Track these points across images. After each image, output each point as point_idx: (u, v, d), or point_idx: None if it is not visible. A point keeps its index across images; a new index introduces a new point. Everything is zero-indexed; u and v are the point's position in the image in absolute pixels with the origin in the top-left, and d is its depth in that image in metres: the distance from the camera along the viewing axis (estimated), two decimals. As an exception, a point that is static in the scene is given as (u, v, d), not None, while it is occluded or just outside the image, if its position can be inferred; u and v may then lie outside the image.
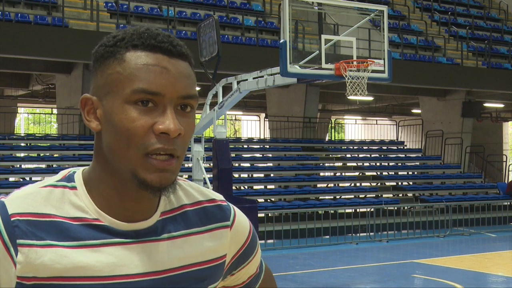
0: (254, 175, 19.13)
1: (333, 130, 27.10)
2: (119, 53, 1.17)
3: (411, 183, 20.65)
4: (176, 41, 1.19)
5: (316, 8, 11.30)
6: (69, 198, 1.19)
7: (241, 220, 1.36)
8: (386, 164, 21.41)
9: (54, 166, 16.43)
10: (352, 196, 18.35)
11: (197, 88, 1.24)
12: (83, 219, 1.17)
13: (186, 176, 13.45)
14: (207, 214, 1.30)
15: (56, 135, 19.50)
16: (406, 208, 17.61)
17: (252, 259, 1.39)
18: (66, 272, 1.13)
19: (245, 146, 20.50)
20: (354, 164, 20.84)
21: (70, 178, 1.22)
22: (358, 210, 16.83)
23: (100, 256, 1.16)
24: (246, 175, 18.86)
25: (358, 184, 19.89)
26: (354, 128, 27.42)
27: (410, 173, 21.71)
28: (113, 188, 1.19)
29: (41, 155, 16.99)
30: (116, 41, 1.18)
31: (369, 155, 21.50)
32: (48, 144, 17.36)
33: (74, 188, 1.20)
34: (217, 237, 1.29)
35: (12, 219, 1.14)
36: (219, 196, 1.35)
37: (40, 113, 26.45)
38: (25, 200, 1.17)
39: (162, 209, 1.24)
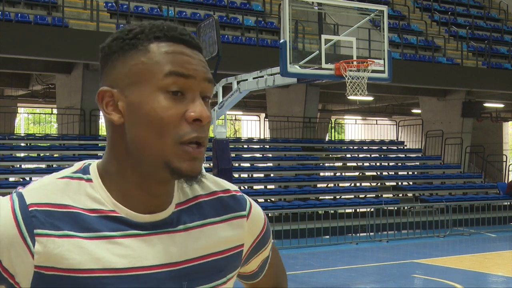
0: (254, 175, 19.13)
1: (333, 130, 27.10)
2: (141, 45, 1.18)
3: (411, 183, 20.65)
4: (192, 34, 1.22)
5: (316, 8, 11.30)
6: (86, 190, 1.19)
7: (257, 210, 1.37)
8: (386, 164, 21.41)
9: (54, 166, 16.43)
10: (352, 196, 18.35)
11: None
12: (99, 211, 1.18)
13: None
14: (223, 204, 1.30)
15: (56, 135, 19.50)
16: (406, 208, 17.61)
17: (266, 247, 1.40)
18: (83, 264, 1.13)
19: (245, 146, 20.50)
20: (354, 164, 20.84)
21: (85, 170, 1.22)
22: (358, 210, 16.83)
23: (117, 248, 1.16)
24: (246, 175, 18.85)
25: (358, 184, 19.89)
26: (354, 128, 27.42)
27: (410, 173, 21.71)
28: (132, 183, 1.19)
29: (41, 155, 16.99)
30: (135, 34, 1.19)
31: (369, 155, 21.50)
32: (48, 144, 17.36)
33: (89, 180, 1.20)
34: (234, 227, 1.30)
35: (30, 209, 1.14)
36: (233, 187, 1.35)
37: (40, 113, 26.44)
38: (42, 190, 1.17)
39: (177, 200, 1.25)
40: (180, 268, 1.20)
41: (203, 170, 1.28)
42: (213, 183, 1.32)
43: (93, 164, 1.24)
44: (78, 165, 1.24)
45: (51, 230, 1.14)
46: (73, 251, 1.13)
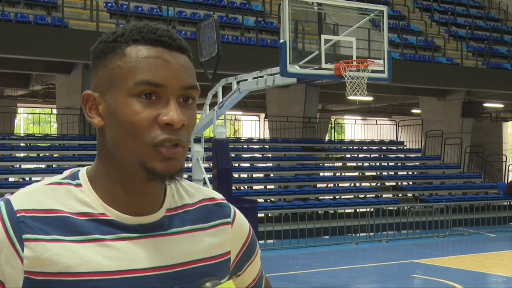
0: (254, 175, 19.13)
1: (333, 130, 27.09)
2: (119, 48, 1.18)
3: (411, 183, 20.65)
4: (175, 35, 1.21)
5: (316, 8, 11.30)
6: (75, 195, 1.19)
7: (241, 218, 1.38)
8: (386, 164, 21.41)
9: (54, 166, 16.43)
10: (352, 196, 18.35)
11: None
12: (89, 214, 1.18)
13: (186, 176, 13.42)
14: (209, 211, 1.32)
15: (56, 135, 19.50)
16: (406, 208, 17.61)
17: (254, 258, 1.41)
18: (73, 267, 1.13)
19: (245, 146, 20.50)
20: (354, 164, 20.84)
21: (74, 176, 1.23)
22: (358, 210, 16.83)
23: (108, 251, 1.16)
24: (246, 175, 18.86)
25: (358, 184, 19.90)
26: (354, 128, 27.43)
27: (410, 173, 21.71)
28: (119, 184, 1.20)
29: (41, 155, 16.98)
30: (116, 37, 1.20)
31: (369, 155, 21.51)
32: (48, 144, 17.36)
33: (79, 185, 1.21)
34: (220, 233, 1.31)
35: (17, 215, 1.14)
36: (218, 195, 1.37)
37: (40, 113, 26.44)
38: (30, 196, 1.17)
39: (168, 206, 1.26)
40: (171, 272, 1.21)
41: (182, 181, 1.29)
42: (199, 191, 1.33)
43: (83, 170, 1.24)
44: (66, 172, 1.24)
45: (40, 234, 1.13)
46: (63, 255, 1.13)
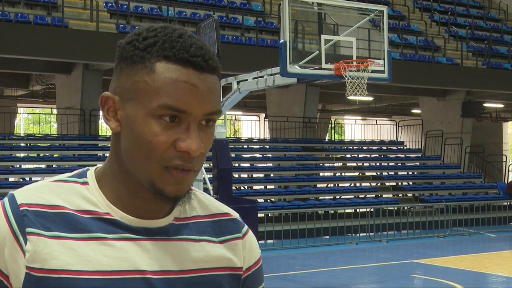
0: (254, 175, 19.13)
1: (333, 130, 27.09)
2: (149, 61, 1.14)
3: (411, 183, 20.66)
4: (208, 54, 1.16)
5: (316, 8, 11.30)
6: (80, 192, 1.19)
7: (253, 238, 1.34)
8: (386, 164, 21.42)
9: (54, 166, 16.44)
10: (352, 196, 18.35)
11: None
12: (93, 212, 1.17)
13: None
14: (220, 226, 1.28)
15: (56, 135, 19.51)
16: (406, 208, 17.61)
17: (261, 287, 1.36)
18: (73, 265, 1.12)
19: (245, 146, 20.50)
20: (354, 164, 20.84)
21: (81, 175, 1.22)
22: (358, 210, 16.84)
23: (109, 250, 1.15)
24: (246, 175, 18.86)
25: (358, 184, 19.90)
26: (354, 128, 27.43)
27: (410, 173, 21.72)
28: (126, 188, 1.19)
29: (41, 155, 16.98)
30: (146, 46, 1.15)
31: (369, 155, 21.51)
32: (48, 144, 17.36)
33: (85, 183, 1.20)
34: (231, 248, 1.27)
35: (21, 208, 1.14)
36: (234, 212, 1.33)
37: (40, 113, 26.45)
38: (34, 192, 1.17)
39: (176, 214, 1.23)
40: (176, 278, 1.18)
41: (198, 192, 1.28)
42: (213, 205, 1.30)
43: (91, 169, 1.24)
44: (75, 171, 1.24)
45: (42, 230, 1.13)
46: (63, 252, 1.13)
